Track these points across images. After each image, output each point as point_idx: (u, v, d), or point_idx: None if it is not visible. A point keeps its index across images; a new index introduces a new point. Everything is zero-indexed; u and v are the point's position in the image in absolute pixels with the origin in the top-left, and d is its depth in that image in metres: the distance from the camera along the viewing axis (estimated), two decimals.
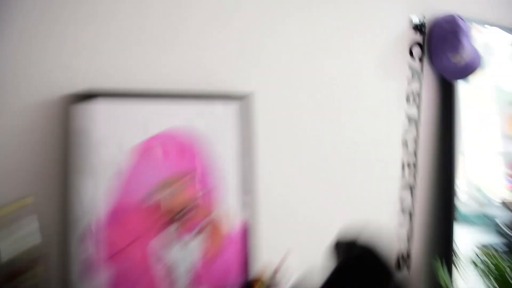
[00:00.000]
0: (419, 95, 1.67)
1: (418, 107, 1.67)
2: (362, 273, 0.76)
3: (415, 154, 1.64)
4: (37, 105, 0.93)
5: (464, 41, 1.59)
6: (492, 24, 1.87)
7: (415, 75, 1.65)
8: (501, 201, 1.94)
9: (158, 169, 1.03)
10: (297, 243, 1.25)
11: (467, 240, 1.72)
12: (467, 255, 1.64)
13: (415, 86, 1.65)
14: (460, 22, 1.62)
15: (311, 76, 1.35)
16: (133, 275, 0.99)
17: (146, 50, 1.07)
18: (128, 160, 0.99)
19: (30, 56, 0.92)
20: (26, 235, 0.86)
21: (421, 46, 1.64)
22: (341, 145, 1.43)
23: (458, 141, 1.69)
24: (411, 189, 1.63)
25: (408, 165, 1.62)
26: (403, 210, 1.61)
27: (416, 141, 1.64)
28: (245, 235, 1.15)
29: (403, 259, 1.61)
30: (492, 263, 1.50)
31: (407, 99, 1.63)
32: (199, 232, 1.08)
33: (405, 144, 1.62)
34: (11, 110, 0.91)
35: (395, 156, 1.60)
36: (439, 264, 1.58)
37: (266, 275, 1.14)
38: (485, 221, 1.89)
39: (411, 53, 1.64)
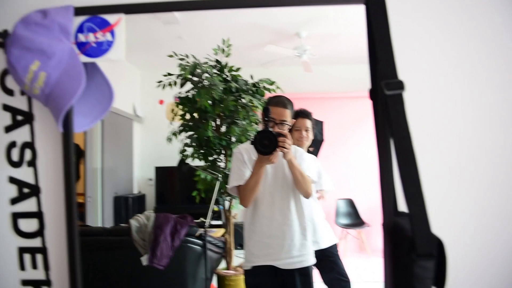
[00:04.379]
0: (32, 148, 1.05)
1: (35, 168, 1.05)
2: None
3: None
4: None
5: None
6: None
7: (20, 118, 1.05)
8: None
9: None
10: None
11: None
12: None
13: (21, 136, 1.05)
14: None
15: None
16: None
17: None
18: None
19: None
20: None
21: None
22: None
23: None
24: None
25: None
26: None
27: None
28: None
29: None
30: None
31: (9, 157, 1.07)
32: None
33: None
34: None
35: None
36: None
37: None
38: None
39: (2, 85, 1.05)
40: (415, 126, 0.85)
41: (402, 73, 0.87)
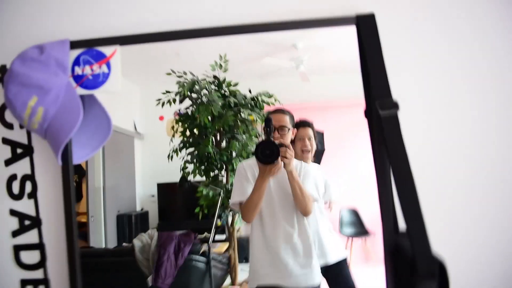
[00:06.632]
0: (32, 181, 1.06)
1: (36, 200, 1.06)
2: None
3: None
4: None
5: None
6: None
7: (20, 151, 1.06)
8: None
9: None
10: None
11: None
12: None
13: (21, 168, 1.06)
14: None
15: None
16: None
17: None
18: None
19: None
20: None
21: None
22: None
23: None
24: None
25: None
26: None
27: None
28: None
29: None
30: None
31: (9, 190, 1.07)
32: None
33: None
34: None
35: None
36: None
37: None
38: None
39: (2, 119, 1.06)
40: (412, 144, 0.85)
41: (397, 93, 0.87)
